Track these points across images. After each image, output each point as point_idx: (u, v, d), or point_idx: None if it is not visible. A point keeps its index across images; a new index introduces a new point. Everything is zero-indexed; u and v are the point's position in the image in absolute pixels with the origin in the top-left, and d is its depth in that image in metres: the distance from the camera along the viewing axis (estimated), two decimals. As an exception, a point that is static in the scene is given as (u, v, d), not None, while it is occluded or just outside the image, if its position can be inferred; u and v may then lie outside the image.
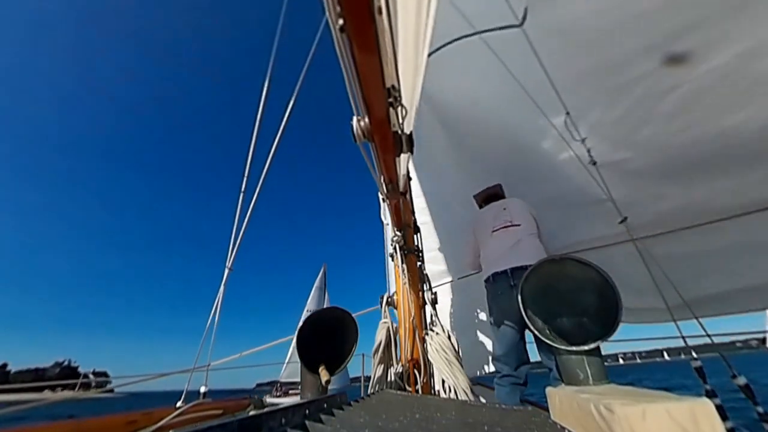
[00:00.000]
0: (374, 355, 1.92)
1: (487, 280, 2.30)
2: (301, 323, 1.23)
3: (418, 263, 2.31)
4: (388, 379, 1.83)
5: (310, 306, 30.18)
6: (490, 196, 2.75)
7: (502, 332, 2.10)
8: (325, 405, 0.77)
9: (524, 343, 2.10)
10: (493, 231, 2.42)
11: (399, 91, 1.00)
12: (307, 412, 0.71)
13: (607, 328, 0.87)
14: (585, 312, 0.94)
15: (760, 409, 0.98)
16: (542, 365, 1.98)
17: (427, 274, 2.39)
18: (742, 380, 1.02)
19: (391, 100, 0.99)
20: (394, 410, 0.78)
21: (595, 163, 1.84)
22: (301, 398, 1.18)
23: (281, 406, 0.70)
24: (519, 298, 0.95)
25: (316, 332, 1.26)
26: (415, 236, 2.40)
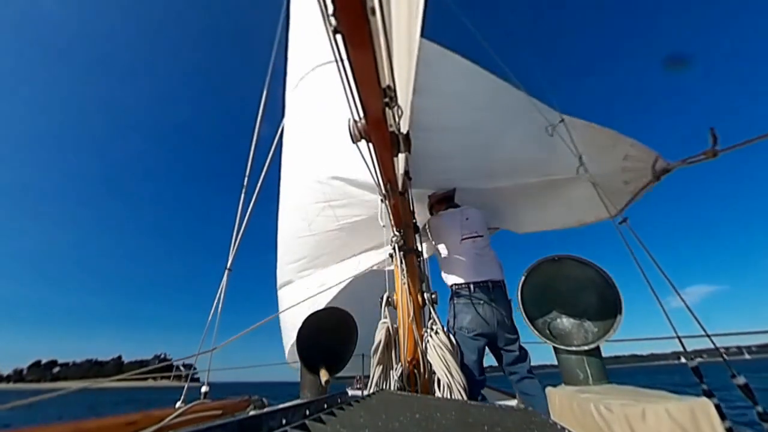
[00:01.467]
0: (373, 355, 1.92)
1: (463, 286, 2.32)
2: (300, 324, 1.23)
3: (418, 263, 2.30)
4: (388, 379, 1.83)
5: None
6: (447, 198, 2.80)
7: (472, 341, 2.16)
8: (326, 405, 0.77)
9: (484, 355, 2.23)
10: (462, 239, 2.48)
11: (394, 90, 1.00)
12: (307, 412, 0.71)
13: (606, 328, 0.87)
14: (585, 312, 0.94)
15: (760, 409, 0.98)
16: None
17: (427, 274, 2.39)
18: (741, 380, 1.02)
19: (386, 100, 1.00)
20: (393, 410, 0.78)
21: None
22: (301, 398, 1.18)
23: (281, 406, 0.70)
24: (518, 298, 0.95)
25: (316, 333, 1.26)
26: (415, 236, 2.40)
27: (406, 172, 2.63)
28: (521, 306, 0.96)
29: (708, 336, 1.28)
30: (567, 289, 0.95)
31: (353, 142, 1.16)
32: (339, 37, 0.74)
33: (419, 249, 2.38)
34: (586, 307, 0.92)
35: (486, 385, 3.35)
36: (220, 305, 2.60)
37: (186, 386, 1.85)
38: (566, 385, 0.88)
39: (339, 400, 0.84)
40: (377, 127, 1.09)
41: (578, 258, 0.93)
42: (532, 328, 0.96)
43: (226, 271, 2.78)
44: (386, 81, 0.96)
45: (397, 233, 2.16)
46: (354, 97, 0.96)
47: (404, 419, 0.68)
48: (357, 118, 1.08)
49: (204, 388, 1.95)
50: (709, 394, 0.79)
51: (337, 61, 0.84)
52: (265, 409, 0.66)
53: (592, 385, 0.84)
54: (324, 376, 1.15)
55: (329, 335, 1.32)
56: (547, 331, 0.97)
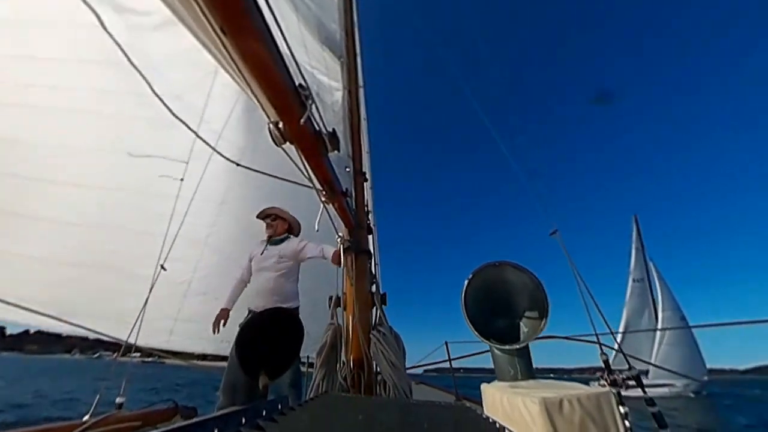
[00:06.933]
0: (318, 357, 1.88)
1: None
2: (243, 324, 1.15)
3: (369, 263, 2.31)
4: (332, 380, 1.80)
5: (635, 274, 21.04)
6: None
7: None
8: (264, 411, 0.73)
9: None
10: None
11: (309, 89, 0.99)
12: (243, 419, 0.67)
13: (535, 328, 0.97)
14: (518, 314, 1.04)
15: (648, 395, 1.19)
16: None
17: (376, 275, 2.41)
18: (635, 372, 1.22)
19: (302, 99, 0.97)
20: (336, 413, 0.78)
21: None
22: (222, 402, 1.10)
23: (214, 415, 0.65)
24: (462, 299, 1.01)
25: (258, 334, 1.19)
26: (367, 237, 2.40)
27: (363, 173, 2.63)
28: (464, 307, 1.02)
29: (612, 334, 1.50)
30: (504, 292, 1.05)
31: (277, 146, 1.10)
32: (227, 38, 0.69)
33: (371, 250, 2.40)
34: (519, 309, 1.02)
35: (427, 383, 3.51)
36: (145, 306, 2.33)
37: (99, 395, 1.61)
38: (498, 381, 0.97)
39: (279, 406, 0.81)
40: (298, 129, 1.05)
41: (515, 264, 1.02)
42: (472, 328, 1.03)
43: (159, 269, 2.50)
44: (299, 79, 0.94)
45: (348, 235, 2.14)
46: (261, 99, 0.92)
47: (348, 421, 0.68)
48: (274, 120, 1.03)
49: (119, 399, 1.70)
50: (614, 384, 0.93)
51: (226, 65, 0.80)
52: (195, 419, 0.61)
53: (521, 380, 0.93)
54: (263, 380, 1.09)
55: (273, 337, 1.25)
56: (485, 331, 1.05)
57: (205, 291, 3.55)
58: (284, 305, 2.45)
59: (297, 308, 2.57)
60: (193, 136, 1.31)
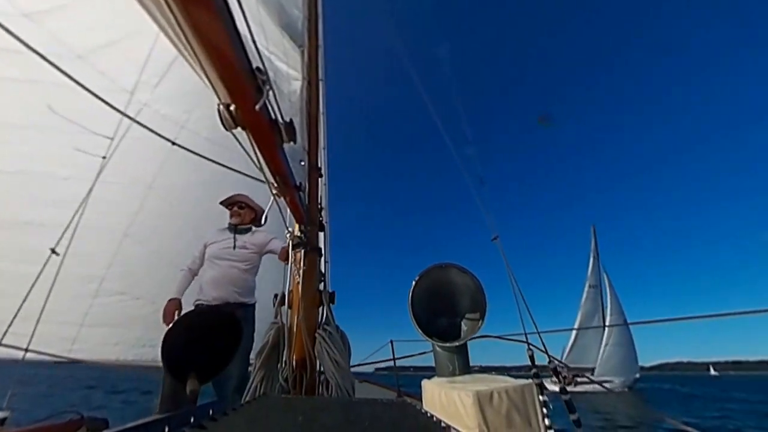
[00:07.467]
0: (257, 357, 1.78)
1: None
2: (171, 324, 1.04)
3: (319, 261, 2.26)
4: (272, 382, 1.73)
5: (591, 280, 22.98)
6: None
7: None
8: (192, 418, 0.67)
9: None
10: None
11: (266, 74, 0.94)
12: (166, 429, 0.60)
13: (473, 328, 1.04)
14: (459, 313, 1.10)
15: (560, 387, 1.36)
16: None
17: (325, 273, 2.37)
18: (553, 365, 1.38)
19: (259, 83, 0.92)
20: (275, 415, 0.75)
21: None
22: (158, 411, 0.98)
23: (127, 426, 0.57)
24: (409, 299, 1.04)
25: (189, 334, 1.09)
26: (319, 234, 2.34)
27: (318, 168, 2.56)
28: (410, 306, 1.06)
29: (538, 333, 1.67)
30: (448, 292, 1.10)
31: (226, 130, 1.01)
32: (177, 4, 0.62)
33: (321, 248, 2.34)
34: (461, 309, 1.09)
35: (371, 381, 3.56)
36: (47, 300, 1.99)
37: None
38: (438, 377, 1.02)
39: (210, 411, 0.75)
40: (251, 115, 0.98)
41: (459, 266, 1.08)
42: (416, 326, 1.07)
43: (50, 254, 2.12)
44: (257, 62, 0.89)
45: (296, 229, 2.07)
46: (212, 77, 0.84)
47: (287, 423, 0.65)
48: (225, 102, 0.94)
49: (1, 414, 1.40)
50: (536, 376, 1.04)
51: (174, 36, 0.72)
52: None
53: (458, 375, 0.99)
54: (192, 384, 0.99)
55: (204, 337, 1.15)
56: (428, 329, 1.09)
57: (123, 290, 3.10)
58: (243, 299, 2.27)
59: (254, 304, 2.38)
60: (120, 107, 1.14)
